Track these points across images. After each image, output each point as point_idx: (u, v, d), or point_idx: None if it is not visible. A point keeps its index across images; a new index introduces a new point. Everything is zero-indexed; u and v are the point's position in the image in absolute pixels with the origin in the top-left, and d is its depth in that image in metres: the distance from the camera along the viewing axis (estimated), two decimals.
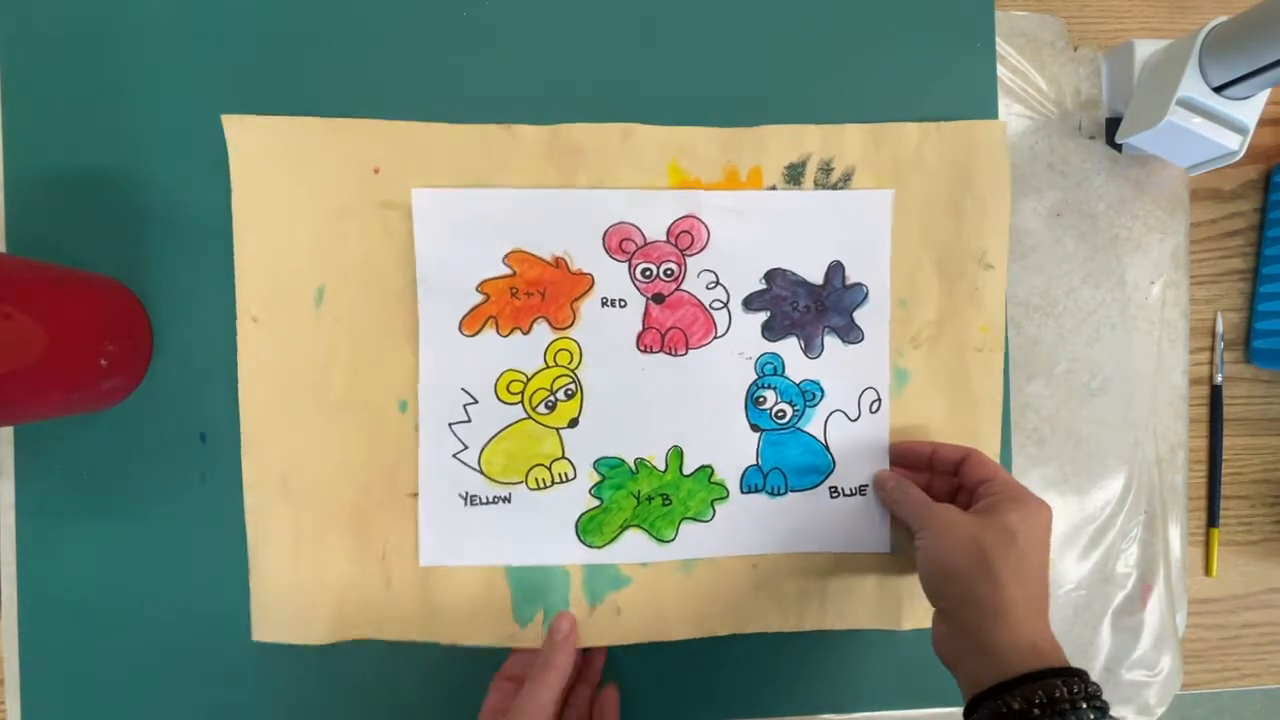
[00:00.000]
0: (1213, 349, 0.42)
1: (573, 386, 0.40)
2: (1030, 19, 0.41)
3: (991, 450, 0.41)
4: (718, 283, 0.40)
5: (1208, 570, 0.43)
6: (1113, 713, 0.40)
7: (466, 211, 0.39)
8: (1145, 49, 0.39)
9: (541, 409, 0.40)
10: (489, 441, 0.40)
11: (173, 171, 0.38)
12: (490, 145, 0.39)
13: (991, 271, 0.40)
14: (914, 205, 0.40)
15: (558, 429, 0.40)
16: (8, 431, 0.39)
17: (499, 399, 0.40)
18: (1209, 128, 0.35)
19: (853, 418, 0.41)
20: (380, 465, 0.39)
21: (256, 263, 0.38)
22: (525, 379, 0.40)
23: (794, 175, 0.40)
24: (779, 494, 0.41)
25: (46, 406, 0.34)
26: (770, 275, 0.40)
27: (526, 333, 0.40)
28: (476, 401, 0.40)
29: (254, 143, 0.38)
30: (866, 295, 0.40)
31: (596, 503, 0.40)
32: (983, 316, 0.40)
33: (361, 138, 0.38)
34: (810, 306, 0.40)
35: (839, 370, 0.41)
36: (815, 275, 0.40)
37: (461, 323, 0.39)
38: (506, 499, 0.40)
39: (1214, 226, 0.42)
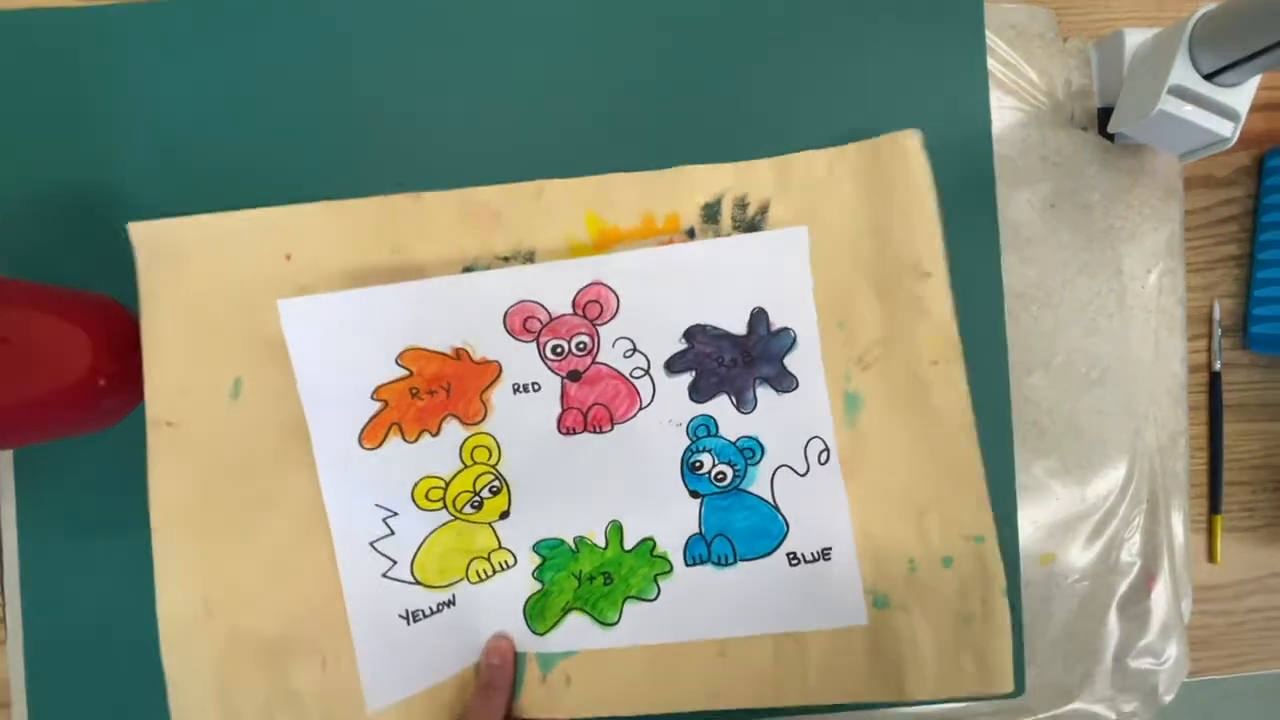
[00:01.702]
0: (1210, 336, 0.42)
1: (497, 483, 0.37)
2: (1019, 11, 0.41)
3: (972, 465, 0.38)
4: (635, 349, 0.37)
5: (1211, 557, 0.43)
6: (1122, 705, 0.41)
7: (346, 316, 0.36)
8: (1135, 38, 0.39)
9: (468, 509, 0.37)
10: (419, 548, 0.37)
11: (163, 188, 0.38)
12: (399, 216, 0.37)
13: (930, 280, 0.38)
14: (835, 229, 0.38)
15: (489, 523, 0.38)
16: (7, 452, 0.39)
17: (419, 508, 0.37)
18: (1201, 115, 0.35)
19: (801, 472, 0.38)
20: (314, 566, 0.36)
21: (169, 367, 0.36)
22: (444, 484, 0.37)
23: (711, 214, 0.38)
24: (727, 564, 0.38)
25: (47, 429, 0.34)
26: (690, 333, 0.38)
27: (436, 434, 0.37)
28: (396, 514, 0.37)
29: (165, 246, 0.36)
30: (795, 339, 0.38)
31: (539, 586, 0.38)
32: (932, 328, 0.38)
33: (270, 225, 0.37)
34: (737, 359, 0.38)
35: (777, 422, 0.38)
36: (738, 325, 0.38)
37: (361, 436, 0.36)
38: (450, 602, 0.37)
39: (1208, 214, 0.43)
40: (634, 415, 0.38)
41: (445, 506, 0.37)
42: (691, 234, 0.38)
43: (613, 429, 0.38)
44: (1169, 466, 0.42)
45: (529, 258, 0.38)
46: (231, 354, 0.36)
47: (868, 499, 0.38)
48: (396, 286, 0.36)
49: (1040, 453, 0.41)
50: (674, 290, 0.37)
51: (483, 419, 0.37)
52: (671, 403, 0.38)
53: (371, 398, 0.36)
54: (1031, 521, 0.41)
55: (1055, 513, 0.41)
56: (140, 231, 0.36)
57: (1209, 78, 0.35)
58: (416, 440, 0.37)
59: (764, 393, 0.38)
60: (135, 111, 0.38)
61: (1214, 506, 0.43)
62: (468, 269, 0.38)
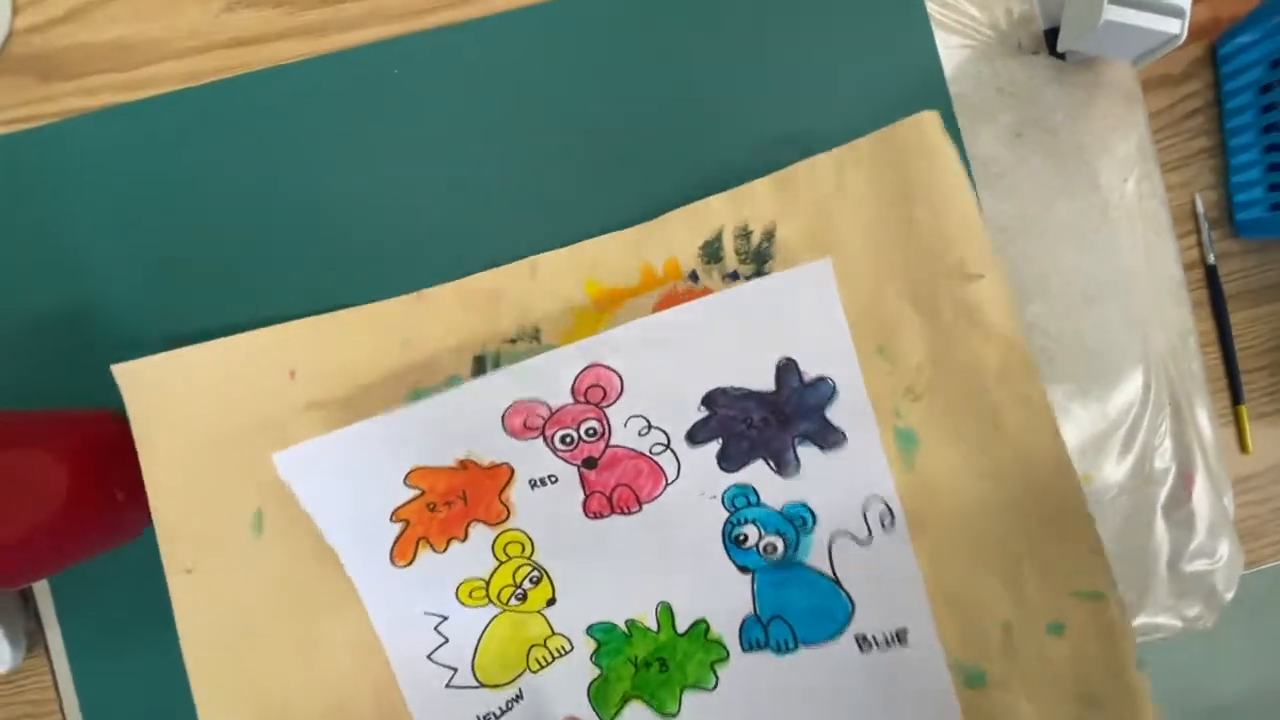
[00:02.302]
0: (1198, 230, 0.42)
1: (536, 574, 0.36)
2: None
3: (1072, 502, 0.32)
4: (650, 426, 0.34)
5: (1243, 447, 0.43)
6: (1185, 610, 0.41)
7: (343, 452, 0.33)
8: None
9: (513, 602, 0.36)
10: (477, 648, 0.36)
11: (151, 295, 0.38)
12: (404, 318, 0.36)
13: (980, 283, 0.32)
14: (855, 241, 0.34)
15: (538, 610, 0.36)
16: (41, 583, 0.38)
17: (466, 606, 0.36)
18: (1147, 18, 0.35)
19: (862, 540, 0.34)
20: (376, 692, 0.35)
21: (179, 511, 0.34)
22: (485, 582, 0.36)
23: (712, 254, 0.35)
24: (788, 650, 0.34)
25: (74, 555, 0.34)
26: (710, 398, 0.34)
27: (464, 540, 0.35)
28: (446, 617, 0.35)
29: (154, 384, 0.34)
30: (834, 389, 0.33)
31: (598, 671, 0.36)
32: (992, 340, 0.32)
33: (267, 346, 0.35)
34: (769, 418, 0.33)
35: (827, 484, 0.34)
36: (764, 381, 0.33)
37: (392, 556, 0.35)
38: (518, 697, 0.36)
39: (1172, 112, 0.43)
40: (661, 493, 0.35)
41: (491, 601, 0.36)
42: (694, 277, 0.35)
43: (641, 509, 0.35)
44: (1184, 367, 0.42)
45: (535, 335, 0.36)
46: (247, 487, 0.35)
47: (942, 554, 0.34)
48: (384, 417, 0.33)
49: (1054, 379, 0.41)
50: (681, 356, 0.34)
51: (507, 518, 0.36)
52: (700, 476, 0.35)
53: (391, 520, 0.35)
54: None
55: (1082, 434, 0.41)
56: (126, 373, 0.34)
57: None
58: (446, 549, 0.35)
59: (807, 452, 0.34)
60: (104, 226, 0.38)
61: (1235, 397, 0.43)
62: (478, 357, 0.36)
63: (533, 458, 0.35)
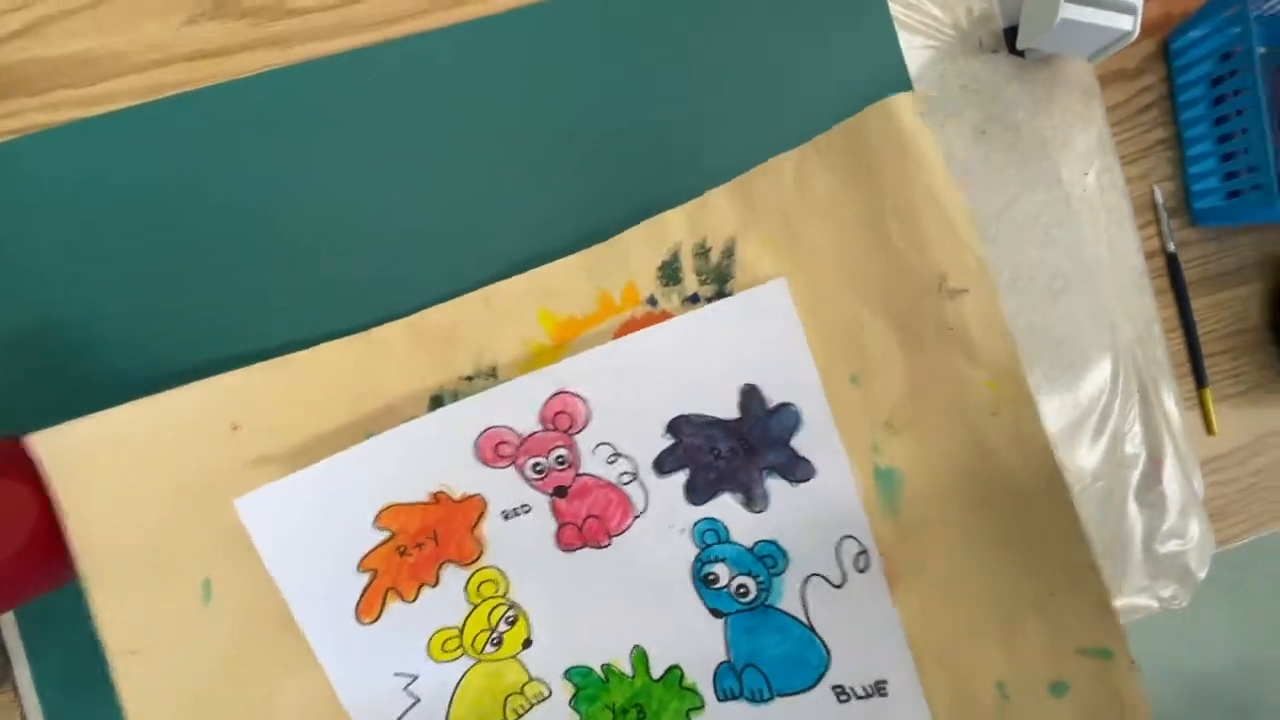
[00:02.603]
0: (1158, 221, 0.44)
1: (512, 613, 0.35)
2: None
3: (1075, 550, 0.28)
4: (618, 454, 0.33)
5: (1209, 429, 0.44)
6: (1160, 590, 0.42)
7: (312, 494, 0.31)
8: None
9: (489, 649, 0.35)
10: (450, 704, 0.34)
11: (113, 314, 0.37)
12: (355, 362, 0.33)
13: (965, 299, 0.29)
14: (820, 252, 0.31)
15: (514, 656, 0.35)
16: (9, 617, 0.37)
17: (438, 662, 0.34)
18: (1101, 15, 0.36)
19: (836, 582, 0.32)
20: None
21: (118, 591, 0.31)
22: (458, 631, 0.34)
23: (670, 274, 0.34)
24: (762, 700, 0.32)
25: (45, 584, 0.33)
26: (674, 426, 0.33)
27: (435, 585, 0.33)
28: (416, 677, 0.33)
29: (78, 454, 0.31)
30: (799, 417, 0.32)
31: (577, 717, 0.35)
32: (981, 366, 0.29)
33: (204, 400, 0.32)
34: (735, 448, 0.32)
35: (798, 520, 0.32)
36: (728, 409, 0.32)
37: (357, 612, 0.33)
38: None
39: (1128, 106, 0.44)
40: (629, 525, 0.34)
41: (465, 652, 0.35)
42: (653, 302, 0.34)
43: (610, 543, 0.34)
44: (1149, 354, 0.43)
45: (491, 373, 0.34)
46: (193, 554, 0.32)
47: (929, 604, 0.31)
48: (356, 449, 0.32)
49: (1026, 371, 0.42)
50: (646, 382, 0.33)
51: (479, 556, 0.34)
52: (668, 508, 0.34)
53: (358, 570, 0.33)
54: None
55: (1054, 424, 0.42)
56: (45, 443, 0.30)
57: None
58: (416, 598, 0.34)
59: (776, 485, 0.33)
60: (65, 243, 0.37)
61: (1200, 381, 0.44)
62: (435, 397, 0.34)
63: (505, 487, 0.34)
